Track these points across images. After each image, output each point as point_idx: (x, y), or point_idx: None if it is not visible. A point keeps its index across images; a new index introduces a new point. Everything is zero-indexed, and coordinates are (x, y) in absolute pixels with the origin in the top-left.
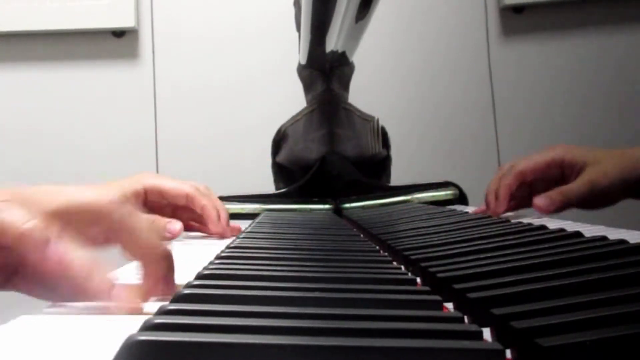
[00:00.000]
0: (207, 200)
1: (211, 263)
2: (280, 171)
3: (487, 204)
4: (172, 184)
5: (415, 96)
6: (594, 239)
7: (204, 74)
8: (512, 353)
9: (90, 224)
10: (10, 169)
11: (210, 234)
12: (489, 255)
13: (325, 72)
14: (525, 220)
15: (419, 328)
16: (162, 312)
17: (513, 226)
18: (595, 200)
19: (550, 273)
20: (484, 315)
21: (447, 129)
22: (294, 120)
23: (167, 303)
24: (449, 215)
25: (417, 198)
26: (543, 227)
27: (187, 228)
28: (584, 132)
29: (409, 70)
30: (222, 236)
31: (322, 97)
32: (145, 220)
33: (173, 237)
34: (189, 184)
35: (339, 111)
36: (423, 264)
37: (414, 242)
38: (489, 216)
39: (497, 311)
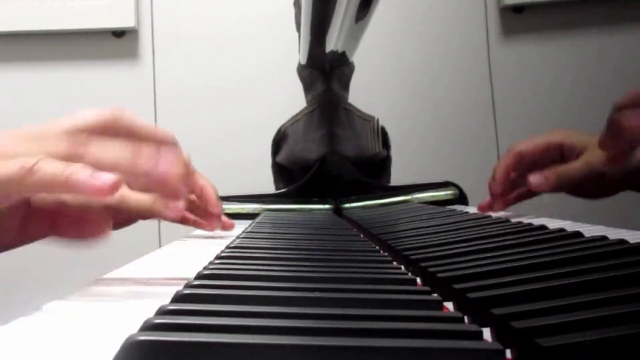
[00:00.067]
0: (205, 180)
1: (211, 263)
2: (280, 171)
3: (489, 189)
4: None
5: (415, 96)
6: (594, 239)
7: (204, 74)
8: (512, 353)
9: None
10: None
11: (201, 227)
12: (489, 255)
13: (325, 72)
14: (525, 220)
15: (419, 328)
16: (162, 312)
17: (513, 226)
18: (593, 185)
19: (550, 273)
20: (484, 315)
21: (447, 129)
22: (294, 120)
23: (167, 303)
24: (449, 215)
25: (417, 198)
26: (543, 227)
27: (180, 221)
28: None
29: (409, 70)
30: (216, 227)
31: (322, 97)
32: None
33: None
34: None
35: (339, 111)
36: (423, 264)
37: (414, 242)
38: (489, 216)
39: (497, 311)
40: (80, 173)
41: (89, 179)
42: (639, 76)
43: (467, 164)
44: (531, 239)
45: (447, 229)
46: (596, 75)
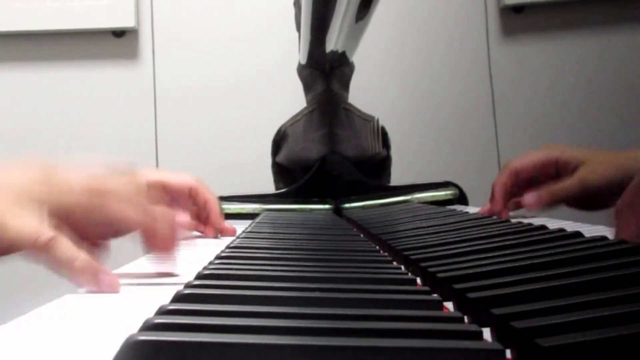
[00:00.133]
0: (210, 194)
1: (211, 263)
2: (280, 171)
3: (491, 209)
4: (174, 175)
5: (415, 96)
6: (594, 239)
7: (204, 74)
8: (512, 353)
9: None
10: None
11: (204, 233)
12: (489, 255)
13: (325, 72)
14: (525, 220)
15: (419, 328)
16: (162, 312)
17: (513, 226)
18: (588, 199)
19: (550, 273)
20: (484, 315)
21: (447, 129)
22: (294, 120)
23: (167, 303)
24: (449, 215)
25: (417, 198)
26: (543, 227)
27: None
28: (584, 132)
29: (409, 70)
30: (219, 233)
31: (322, 97)
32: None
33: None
34: (189, 175)
35: (339, 111)
36: (423, 264)
37: (413, 242)
38: (489, 216)
39: (497, 311)
40: (86, 271)
41: (93, 278)
42: (639, 76)
43: (467, 164)
44: (531, 239)
45: (447, 229)
46: (596, 75)
